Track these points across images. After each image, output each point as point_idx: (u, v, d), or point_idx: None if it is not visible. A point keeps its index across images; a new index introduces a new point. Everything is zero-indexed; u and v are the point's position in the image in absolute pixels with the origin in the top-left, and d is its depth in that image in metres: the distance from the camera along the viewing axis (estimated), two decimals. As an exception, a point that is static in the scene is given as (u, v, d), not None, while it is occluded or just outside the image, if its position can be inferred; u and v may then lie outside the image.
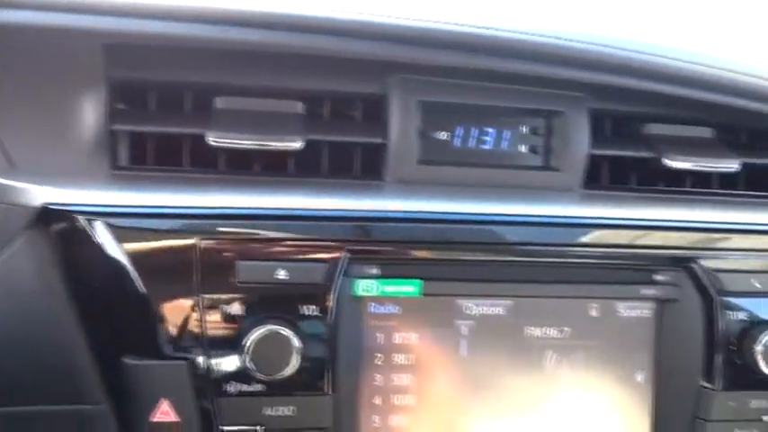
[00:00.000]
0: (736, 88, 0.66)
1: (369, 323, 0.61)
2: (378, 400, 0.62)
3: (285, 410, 0.56)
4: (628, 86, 0.64)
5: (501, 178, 0.66)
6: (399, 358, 0.62)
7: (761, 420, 0.63)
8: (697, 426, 0.63)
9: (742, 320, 0.63)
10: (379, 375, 0.62)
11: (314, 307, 0.56)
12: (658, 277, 0.65)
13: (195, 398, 0.55)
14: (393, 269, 0.60)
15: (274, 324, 0.54)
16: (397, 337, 0.62)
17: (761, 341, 0.62)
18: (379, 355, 0.62)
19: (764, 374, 0.62)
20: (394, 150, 0.63)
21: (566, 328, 0.65)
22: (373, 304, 0.61)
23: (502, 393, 0.64)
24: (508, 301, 0.64)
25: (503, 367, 0.64)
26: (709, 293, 0.64)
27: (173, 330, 0.55)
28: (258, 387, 0.55)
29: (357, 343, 0.60)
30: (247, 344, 0.54)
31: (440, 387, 0.63)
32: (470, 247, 0.61)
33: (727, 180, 0.72)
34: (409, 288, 0.60)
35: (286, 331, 0.54)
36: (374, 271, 0.60)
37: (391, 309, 0.62)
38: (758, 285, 0.64)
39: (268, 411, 0.56)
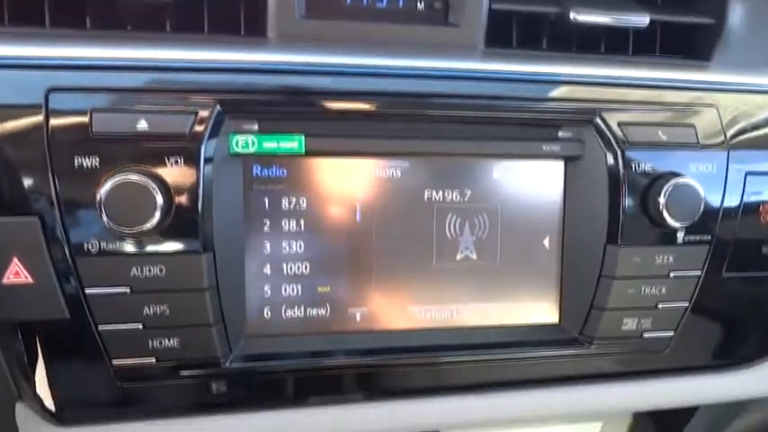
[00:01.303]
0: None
1: (253, 186, 0.57)
2: (267, 269, 0.59)
3: (154, 270, 0.52)
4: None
5: (394, 34, 0.61)
6: (289, 225, 0.59)
7: (668, 277, 0.61)
8: (603, 285, 0.61)
9: (646, 173, 0.60)
10: (267, 242, 0.58)
11: (180, 160, 0.52)
12: (562, 134, 0.62)
13: (51, 258, 0.50)
14: (273, 124, 0.56)
15: (131, 174, 0.50)
16: (286, 203, 0.58)
17: (665, 193, 0.59)
18: (266, 221, 0.58)
19: (669, 227, 0.59)
20: (275, 3, 0.58)
21: (468, 191, 0.61)
22: (257, 166, 0.57)
23: (400, 262, 0.61)
24: (405, 163, 0.60)
25: (401, 234, 0.60)
26: (614, 147, 0.60)
27: (21, 184, 0.49)
28: (121, 245, 0.51)
29: (239, 205, 0.56)
30: (101, 196, 0.49)
31: (334, 256, 0.60)
32: (358, 99, 0.57)
33: (640, 43, 0.69)
34: (291, 144, 0.56)
35: (143, 180, 0.49)
36: (252, 126, 0.55)
37: (277, 172, 0.58)
38: (663, 137, 0.61)
39: (134, 272, 0.51)
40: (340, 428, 0.60)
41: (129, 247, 0.51)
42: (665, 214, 0.59)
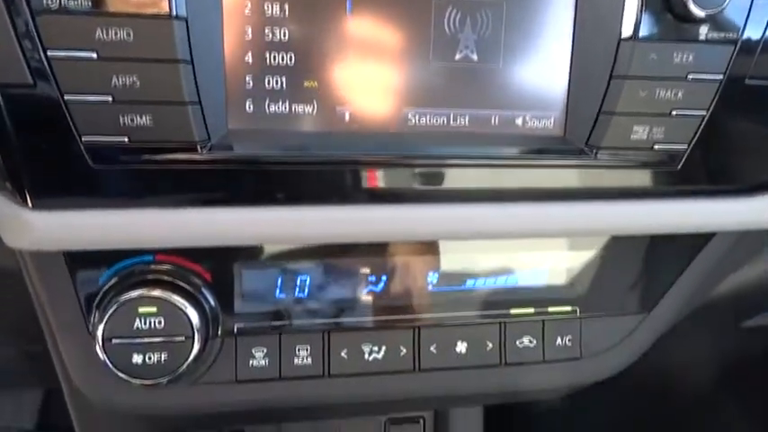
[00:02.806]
0: None
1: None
2: (249, 57, 0.54)
3: (120, 34, 0.47)
4: None
5: None
6: (272, 9, 0.54)
7: (686, 79, 0.56)
8: (614, 86, 0.56)
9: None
10: (248, 27, 0.54)
11: None
12: None
13: (9, 15, 0.46)
14: None
15: None
16: (269, -17, 0.54)
17: (689, -21, 0.53)
18: (247, 3, 0.54)
19: (692, 17, 0.53)
20: None
21: (468, -21, 0.56)
22: (237, -61, 0.52)
23: (393, 58, 0.56)
24: (400, -53, 0.55)
25: (395, 26, 0.55)
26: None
27: None
28: (85, 1, 0.47)
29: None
30: None
31: (322, 47, 0.55)
32: None
33: None
34: None
35: None
36: None
37: (259, -53, 0.54)
38: None
39: (100, 34, 0.47)
40: (326, 231, 0.57)
41: (92, 4, 0.47)
42: (689, 2, 0.53)
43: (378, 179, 0.57)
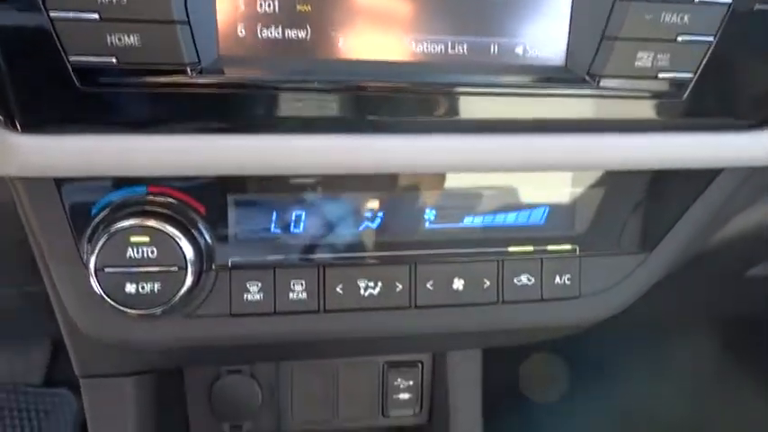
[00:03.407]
0: None
1: None
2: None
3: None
4: None
5: None
6: (263, -74, 0.52)
7: (693, 2, 0.54)
8: (618, 9, 0.53)
9: None
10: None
11: None
12: None
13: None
14: None
15: None
16: None
17: None
18: None
19: None
20: None
21: None
22: None
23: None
24: None
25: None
26: None
27: None
28: None
29: None
30: None
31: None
32: None
33: None
34: None
35: None
36: None
37: None
38: None
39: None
40: (318, 160, 0.56)
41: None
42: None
43: (372, 107, 0.56)
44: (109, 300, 0.57)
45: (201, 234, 0.59)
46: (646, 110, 0.58)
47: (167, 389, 0.77)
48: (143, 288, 0.57)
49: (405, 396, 0.84)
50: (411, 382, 0.84)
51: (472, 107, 0.57)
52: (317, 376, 0.82)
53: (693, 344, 1.33)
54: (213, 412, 0.80)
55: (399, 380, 0.84)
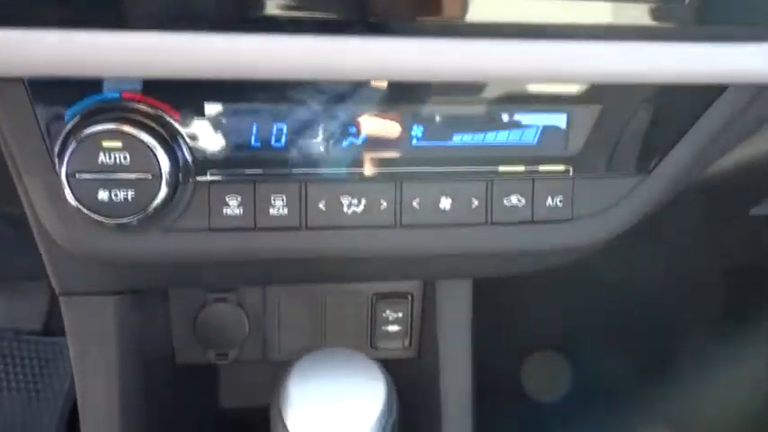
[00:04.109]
0: None
1: None
2: None
3: None
4: None
5: None
6: None
7: None
8: None
9: None
10: None
11: None
12: None
13: None
14: None
15: None
16: None
17: None
18: None
19: None
20: None
21: None
22: None
23: None
24: None
25: None
26: None
27: None
28: None
29: None
30: None
31: None
32: None
33: None
34: None
35: None
36: None
37: None
38: None
39: None
40: (311, 63, 0.53)
41: None
42: None
43: (362, 6, 0.53)
44: (82, 207, 0.55)
45: (177, 143, 0.57)
46: (644, 15, 0.55)
47: (151, 314, 0.76)
48: (116, 196, 0.55)
49: (394, 328, 0.83)
50: (400, 314, 0.82)
51: (464, 9, 0.54)
52: (305, 306, 0.81)
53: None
54: (199, 340, 0.79)
55: (388, 311, 0.82)
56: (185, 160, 0.58)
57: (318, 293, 0.80)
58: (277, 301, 0.80)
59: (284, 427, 0.49)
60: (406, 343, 0.83)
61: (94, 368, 0.68)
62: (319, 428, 0.48)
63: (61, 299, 0.67)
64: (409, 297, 0.82)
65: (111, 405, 0.70)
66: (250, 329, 0.80)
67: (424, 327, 0.83)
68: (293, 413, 0.49)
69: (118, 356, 0.69)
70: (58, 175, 0.55)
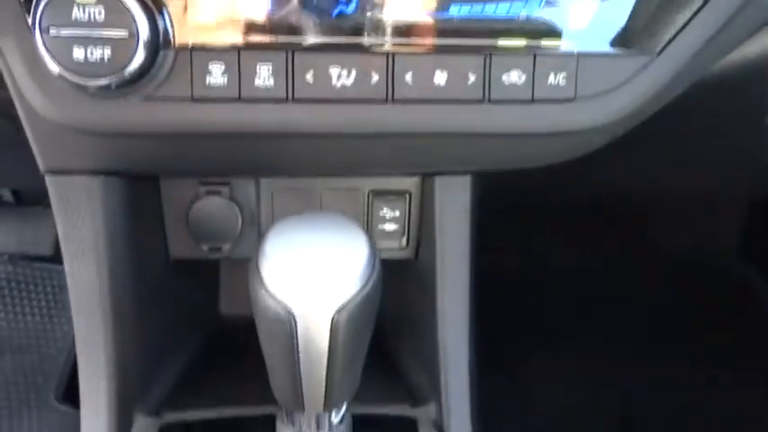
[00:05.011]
0: None
1: None
2: None
3: None
4: None
5: None
6: None
7: None
8: None
9: None
10: None
11: None
12: None
13: None
14: None
15: None
16: None
17: None
18: None
19: None
20: None
21: None
22: None
23: None
24: None
25: None
26: None
27: None
28: None
29: None
30: None
31: None
32: None
33: None
34: None
35: None
36: None
37: None
38: None
39: None
40: None
41: None
42: None
43: None
44: (56, 66, 0.53)
45: (156, 3, 0.55)
46: None
47: (142, 204, 0.74)
48: (92, 54, 0.53)
49: (391, 227, 0.81)
50: (397, 213, 0.80)
51: None
52: (299, 201, 0.79)
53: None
54: (191, 234, 0.78)
55: (385, 209, 0.80)
56: (165, 23, 0.55)
57: (314, 189, 0.78)
58: (270, 196, 0.78)
59: (261, 281, 0.47)
60: (404, 243, 0.81)
61: (82, 250, 0.67)
62: (297, 277, 0.46)
63: (47, 178, 0.66)
64: (407, 195, 0.79)
65: (101, 290, 0.69)
66: (244, 224, 0.78)
67: (422, 227, 0.81)
68: (268, 262, 0.47)
69: (106, 239, 0.68)
70: (32, 32, 0.53)
